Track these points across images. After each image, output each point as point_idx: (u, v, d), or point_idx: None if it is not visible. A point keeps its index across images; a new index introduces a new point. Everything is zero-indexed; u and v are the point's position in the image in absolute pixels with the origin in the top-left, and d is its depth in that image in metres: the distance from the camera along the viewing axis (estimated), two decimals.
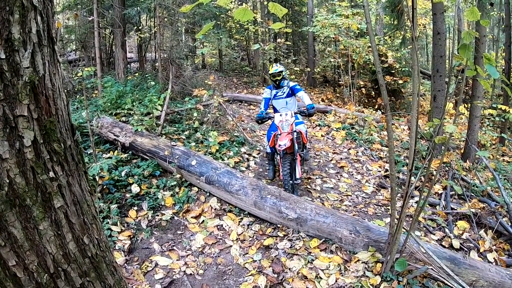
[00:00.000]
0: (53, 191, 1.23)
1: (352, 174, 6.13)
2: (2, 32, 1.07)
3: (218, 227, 4.20)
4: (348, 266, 3.52)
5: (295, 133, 4.90)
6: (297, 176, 4.86)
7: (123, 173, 4.82)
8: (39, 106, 1.18)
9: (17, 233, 1.15)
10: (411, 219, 3.91)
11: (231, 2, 15.42)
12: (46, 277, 1.22)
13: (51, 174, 1.22)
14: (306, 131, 5.66)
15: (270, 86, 5.62)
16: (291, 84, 5.45)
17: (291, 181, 4.80)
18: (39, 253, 1.21)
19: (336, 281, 3.35)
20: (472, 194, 5.40)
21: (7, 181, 1.11)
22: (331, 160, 6.66)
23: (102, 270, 1.44)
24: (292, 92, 5.41)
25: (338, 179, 5.88)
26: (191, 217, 4.35)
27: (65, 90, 1.36)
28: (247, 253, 3.77)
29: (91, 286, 1.38)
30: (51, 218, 1.23)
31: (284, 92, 5.42)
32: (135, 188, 4.64)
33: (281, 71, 5.34)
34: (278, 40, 12.58)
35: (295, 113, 5.10)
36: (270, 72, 5.42)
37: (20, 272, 1.17)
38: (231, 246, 3.87)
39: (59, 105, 1.28)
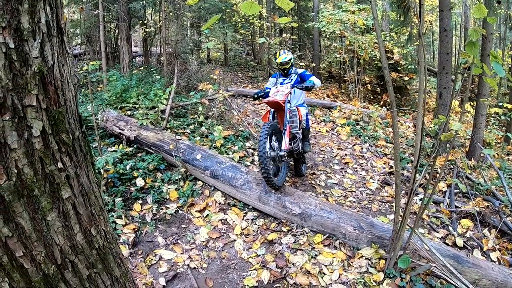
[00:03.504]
0: (61, 182, 1.22)
1: (357, 170, 6.12)
2: (11, 22, 1.07)
3: (222, 221, 4.20)
4: (352, 262, 3.52)
5: (289, 104, 4.47)
6: (283, 148, 4.27)
7: (128, 167, 4.84)
8: (48, 97, 1.18)
9: (24, 224, 1.15)
10: (415, 216, 3.90)
11: None
12: (54, 268, 1.22)
13: (60, 164, 1.22)
14: (307, 113, 5.09)
15: (275, 74, 5.18)
16: (300, 71, 5.01)
17: (272, 153, 4.18)
18: (47, 244, 1.20)
19: (339, 276, 3.35)
20: (477, 192, 5.37)
21: (15, 171, 1.11)
22: (336, 156, 6.64)
23: (109, 261, 1.44)
24: (302, 80, 4.92)
25: (343, 175, 5.86)
26: (196, 211, 4.35)
27: (73, 82, 1.36)
28: (251, 248, 3.77)
29: (98, 277, 1.38)
30: (59, 209, 1.23)
31: (292, 80, 4.93)
32: (139, 182, 4.65)
33: (290, 59, 4.91)
34: (284, 35, 12.54)
35: (292, 87, 4.63)
36: (278, 61, 4.91)
37: (27, 263, 1.17)
38: (235, 240, 3.88)
39: (68, 96, 1.28)
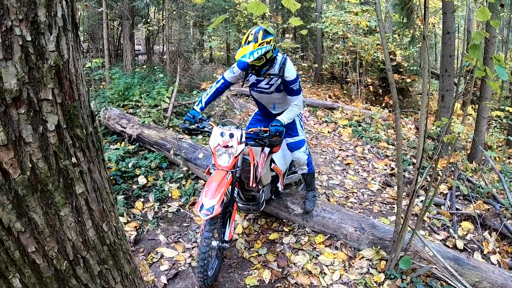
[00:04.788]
0: (75, 177, 1.22)
1: (358, 172, 6.12)
2: (28, 14, 1.06)
3: None
4: (353, 263, 3.53)
5: (239, 171, 3.11)
6: (226, 238, 3.04)
7: (130, 165, 4.84)
8: (63, 91, 1.17)
9: (38, 219, 1.14)
10: (416, 218, 3.90)
11: None
12: (66, 264, 1.21)
13: (74, 159, 1.21)
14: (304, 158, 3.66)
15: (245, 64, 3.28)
16: (288, 76, 3.10)
17: (215, 243, 2.89)
18: (59, 239, 1.20)
19: (340, 277, 3.36)
20: (477, 195, 5.38)
21: (30, 165, 1.10)
22: (337, 157, 6.65)
23: (119, 258, 1.44)
24: (285, 87, 3.20)
25: (344, 176, 5.87)
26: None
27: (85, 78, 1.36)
28: (253, 247, 3.78)
29: (108, 273, 1.38)
30: (72, 205, 1.22)
31: (272, 85, 3.21)
32: (142, 180, 4.65)
33: (265, 52, 2.85)
34: (287, 35, 12.55)
35: (247, 136, 2.99)
36: (237, 57, 2.87)
37: (39, 258, 1.16)
38: (236, 239, 3.88)
39: (81, 91, 1.28)
